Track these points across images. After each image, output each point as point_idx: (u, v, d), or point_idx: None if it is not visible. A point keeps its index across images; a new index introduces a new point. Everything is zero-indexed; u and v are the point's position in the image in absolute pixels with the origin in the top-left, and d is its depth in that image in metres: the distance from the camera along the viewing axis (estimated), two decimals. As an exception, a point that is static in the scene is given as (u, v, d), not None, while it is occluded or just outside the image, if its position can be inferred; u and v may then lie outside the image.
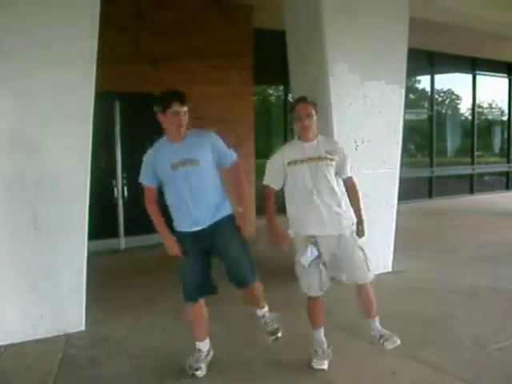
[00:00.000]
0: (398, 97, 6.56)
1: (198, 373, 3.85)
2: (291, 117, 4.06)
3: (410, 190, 11.11)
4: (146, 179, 3.86)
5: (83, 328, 4.81)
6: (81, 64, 4.62)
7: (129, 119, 8.18)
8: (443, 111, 15.65)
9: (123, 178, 8.23)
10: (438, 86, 14.67)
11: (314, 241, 3.82)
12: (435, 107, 14.53)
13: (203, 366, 3.90)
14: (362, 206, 4.07)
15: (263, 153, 9.90)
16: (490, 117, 16.90)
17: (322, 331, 4.05)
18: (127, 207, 8.26)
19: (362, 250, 3.92)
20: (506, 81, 16.13)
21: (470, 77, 15.07)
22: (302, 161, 3.87)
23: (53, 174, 4.59)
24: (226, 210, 3.86)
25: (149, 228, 8.53)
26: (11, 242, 4.49)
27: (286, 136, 11.15)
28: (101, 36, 4.68)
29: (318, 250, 3.83)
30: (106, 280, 6.12)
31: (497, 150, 17.14)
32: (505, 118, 16.59)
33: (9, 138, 4.42)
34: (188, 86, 8.14)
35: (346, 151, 4.04)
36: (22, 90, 4.42)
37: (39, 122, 4.52)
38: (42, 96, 4.49)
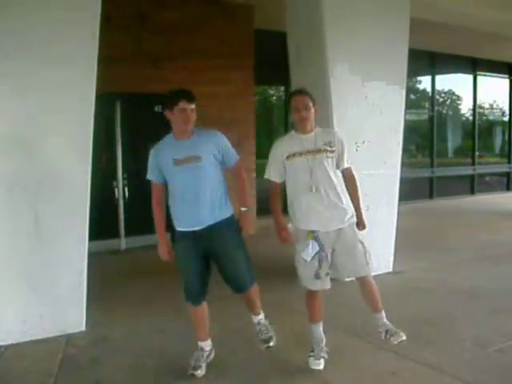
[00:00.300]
0: (398, 97, 6.56)
1: (198, 372, 3.85)
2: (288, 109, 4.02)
3: (410, 191, 11.11)
4: (152, 175, 3.87)
5: (83, 328, 4.81)
6: (82, 64, 4.62)
7: (130, 120, 8.18)
8: (444, 112, 15.65)
9: (124, 178, 8.23)
10: (438, 87, 14.67)
11: (315, 235, 3.80)
12: (436, 108, 14.52)
13: (203, 365, 3.90)
14: (360, 196, 4.05)
15: (264, 153, 9.92)
16: (490, 117, 16.90)
17: (320, 326, 4.01)
18: (128, 208, 8.26)
19: (362, 243, 3.90)
20: (506, 81, 16.13)
21: (470, 77, 15.07)
22: (301, 153, 3.84)
23: (53, 174, 4.59)
24: (228, 212, 3.85)
25: (149, 228, 8.53)
26: (11, 243, 4.49)
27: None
28: (102, 36, 4.68)
29: (319, 245, 3.80)
30: (106, 280, 6.12)
31: (497, 150, 17.13)
32: (505, 119, 16.58)
33: (9, 138, 4.42)
34: (189, 86, 8.13)
35: (344, 141, 3.99)
36: (22, 89, 4.42)
37: (40, 122, 4.52)
38: (42, 96, 4.50)
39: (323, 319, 4.03)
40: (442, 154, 15.00)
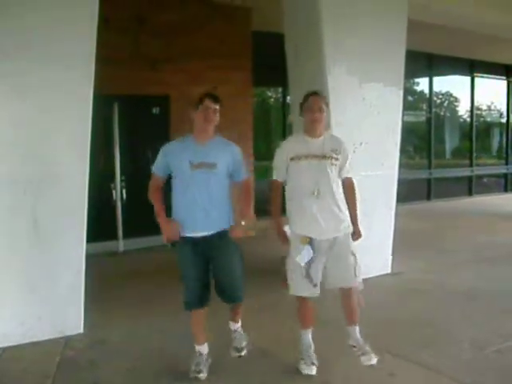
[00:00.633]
0: (396, 98, 6.57)
1: (201, 375, 3.85)
2: (300, 111, 4.01)
3: (408, 192, 11.12)
4: (159, 169, 3.91)
5: (81, 330, 4.80)
6: (80, 63, 4.62)
7: (128, 122, 8.17)
8: (441, 113, 15.67)
9: (122, 180, 8.22)
10: (436, 88, 14.69)
11: (310, 241, 3.80)
12: (433, 109, 14.54)
13: (205, 369, 3.90)
14: (358, 207, 4.05)
15: (262, 154, 9.91)
16: (488, 119, 16.92)
17: (309, 332, 4.01)
18: (126, 210, 8.25)
19: (354, 255, 3.89)
20: (504, 83, 16.15)
21: (468, 79, 15.09)
22: (306, 157, 3.83)
23: (52, 175, 4.58)
24: (230, 222, 3.86)
25: (147, 230, 8.57)
26: (10, 244, 4.49)
27: (285, 137, 11.12)
28: (100, 38, 4.69)
29: (313, 251, 3.80)
30: (104, 282, 6.12)
31: (495, 152, 17.15)
32: (503, 120, 16.61)
33: (8, 138, 4.42)
34: (187, 87, 8.21)
35: (348, 150, 4.00)
36: (21, 89, 4.42)
37: (38, 123, 4.51)
38: (41, 96, 4.50)
39: (321, 321, 4.03)
40: (439, 156, 15.02)
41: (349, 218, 3.94)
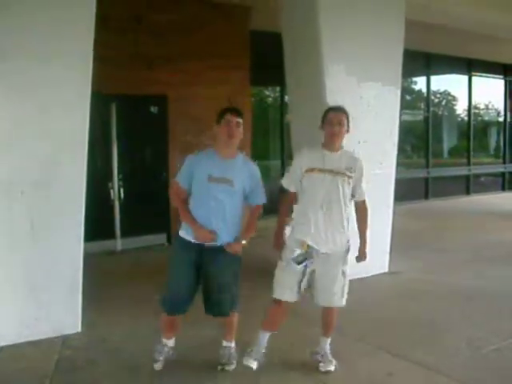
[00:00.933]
0: (394, 98, 6.58)
1: (156, 365, 3.91)
2: (321, 123, 3.97)
3: (406, 191, 11.12)
4: (184, 179, 3.87)
5: (79, 329, 4.80)
6: (78, 62, 4.61)
7: (125, 121, 8.16)
8: (439, 112, 15.68)
9: (119, 179, 8.20)
10: (434, 87, 14.69)
11: (309, 250, 3.80)
12: (431, 108, 14.54)
13: (162, 359, 3.95)
14: (367, 230, 4.06)
15: (260, 154, 9.92)
16: (485, 118, 16.94)
17: (267, 336, 3.98)
18: (123, 209, 8.24)
19: (345, 274, 3.90)
20: (501, 82, 16.17)
21: (465, 78, 15.10)
22: (321, 170, 3.82)
23: (49, 174, 4.57)
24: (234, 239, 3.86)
25: (145, 229, 8.55)
26: (7, 244, 4.48)
27: (283, 137, 11.14)
28: (98, 38, 4.68)
29: (309, 260, 3.80)
30: (102, 281, 6.11)
31: (492, 150, 17.18)
32: (501, 119, 16.63)
33: (5, 138, 4.41)
34: (185, 87, 8.21)
35: (364, 170, 3.99)
36: (18, 89, 4.41)
37: (36, 122, 4.50)
38: (39, 96, 4.48)
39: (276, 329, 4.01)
40: (437, 155, 15.03)
41: (349, 236, 3.93)
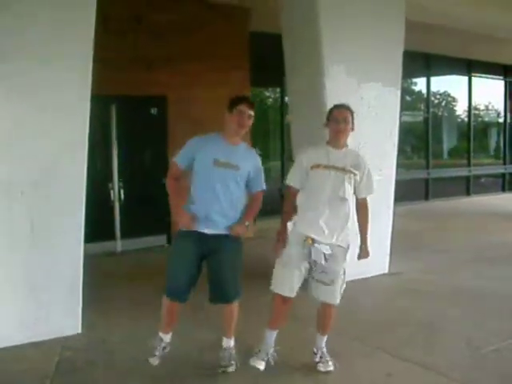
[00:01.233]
0: (394, 98, 6.59)
1: (152, 360, 3.90)
2: (326, 121, 4.00)
3: (406, 192, 11.12)
4: (182, 159, 3.89)
5: (80, 331, 4.80)
6: (78, 63, 4.61)
7: (125, 122, 8.17)
8: (439, 113, 15.69)
9: (120, 180, 8.21)
10: (433, 88, 14.70)
11: (315, 244, 3.80)
12: (431, 109, 14.54)
13: (158, 355, 3.92)
14: (368, 227, 4.08)
15: (260, 155, 9.90)
16: (485, 119, 16.95)
17: (275, 333, 3.99)
18: (123, 210, 8.25)
19: (344, 272, 3.92)
20: (501, 83, 16.17)
21: (465, 79, 15.10)
22: (326, 167, 3.84)
23: (49, 175, 4.57)
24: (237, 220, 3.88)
25: (145, 231, 8.54)
26: (7, 245, 4.48)
27: (283, 138, 11.15)
28: (98, 39, 4.68)
29: (313, 255, 3.81)
30: (102, 283, 6.10)
31: (493, 151, 17.18)
32: (501, 120, 16.63)
33: (5, 139, 4.41)
34: (185, 89, 8.21)
35: (370, 170, 4.01)
36: (18, 90, 4.41)
37: (36, 123, 4.50)
38: (38, 97, 4.48)
39: (283, 325, 4.03)
40: (437, 156, 15.04)
41: (350, 234, 3.94)
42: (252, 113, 3.85)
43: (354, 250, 4.03)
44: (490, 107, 16.71)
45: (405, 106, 11.84)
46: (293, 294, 3.89)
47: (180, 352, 4.16)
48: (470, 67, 14.81)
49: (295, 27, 6.36)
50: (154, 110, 8.48)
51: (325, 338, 4.05)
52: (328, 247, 3.79)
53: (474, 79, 15.16)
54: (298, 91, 6.60)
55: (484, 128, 16.85)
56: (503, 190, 15.99)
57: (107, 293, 5.87)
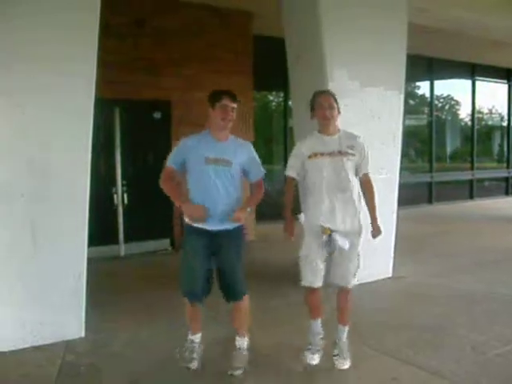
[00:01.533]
0: (397, 102, 6.58)
1: (192, 364, 3.91)
2: (311, 112, 4.02)
3: (409, 196, 11.12)
4: (174, 162, 3.91)
5: (83, 335, 4.79)
6: (82, 69, 4.62)
7: (129, 126, 8.18)
8: (443, 117, 15.69)
9: (123, 184, 8.22)
10: (437, 92, 14.71)
11: (332, 233, 3.83)
12: (435, 113, 14.55)
13: (197, 357, 3.94)
14: (376, 203, 4.10)
15: (263, 158, 9.90)
16: (489, 122, 16.94)
17: (319, 322, 4.06)
18: (127, 214, 8.25)
19: (359, 255, 3.96)
20: (505, 86, 16.16)
21: (469, 82, 15.10)
22: (323, 154, 3.87)
23: (52, 180, 4.57)
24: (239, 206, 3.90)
25: (148, 235, 8.55)
26: (10, 249, 4.48)
27: (286, 142, 11.17)
28: (100, 43, 4.69)
29: (338, 242, 3.83)
30: (105, 287, 6.11)
31: (496, 155, 17.15)
32: (504, 124, 16.61)
33: (7, 145, 4.41)
34: (188, 92, 8.22)
35: (367, 147, 4.03)
36: (21, 94, 4.41)
37: (37, 129, 4.50)
38: (42, 101, 4.49)
39: (323, 314, 4.08)
40: (440, 159, 15.03)
41: (360, 218, 3.97)
42: (235, 105, 3.86)
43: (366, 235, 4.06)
44: (493, 111, 16.71)
45: (408, 110, 11.85)
46: (319, 284, 3.93)
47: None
48: (473, 71, 14.81)
49: (298, 31, 6.36)
50: (157, 114, 8.48)
51: (345, 329, 4.05)
52: (344, 235, 3.82)
53: (477, 83, 15.17)
54: (300, 95, 6.58)
55: (487, 132, 16.85)
56: (507, 193, 15.97)
57: (111, 297, 5.87)
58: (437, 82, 14.42)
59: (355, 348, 4.32)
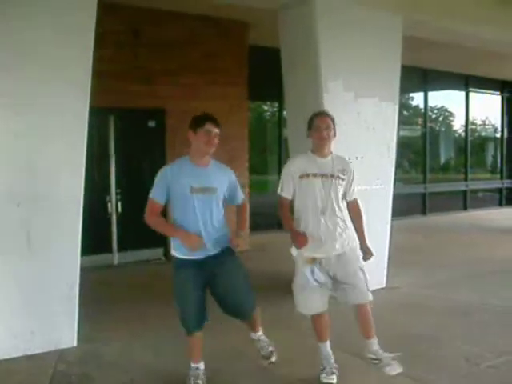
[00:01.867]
0: (391, 113, 6.60)
1: None
2: (307, 131, 4.02)
3: (403, 207, 11.13)
4: (159, 195, 3.77)
5: (75, 344, 4.77)
6: (76, 77, 4.62)
7: (123, 134, 8.18)
8: (437, 128, 15.75)
9: (117, 193, 8.21)
10: (431, 103, 14.76)
11: (317, 262, 3.82)
12: (428, 124, 14.61)
13: (201, 382, 3.85)
14: (364, 227, 4.10)
15: (257, 168, 9.92)
16: (483, 134, 17.02)
17: (327, 344, 4.04)
18: (121, 223, 8.23)
19: (362, 270, 3.92)
20: (498, 98, 16.24)
21: (463, 94, 15.17)
22: (315, 175, 3.86)
23: (46, 188, 4.56)
24: (228, 242, 3.84)
25: (142, 244, 8.52)
26: (3, 257, 4.45)
27: (281, 152, 11.17)
28: (96, 52, 4.70)
29: (320, 272, 3.82)
30: (98, 295, 6.09)
31: (490, 166, 17.22)
32: (498, 135, 16.69)
33: (2, 151, 4.41)
34: (183, 102, 8.22)
35: (355, 173, 4.04)
36: (16, 103, 4.41)
37: (32, 136, 4.50)
38: (37, 109, 4.50)
39: (329, 337, 4.06)
40: (434, 170, 15.08)
41: (354, 236, 3.98)
42: (217, 130, 3.78)
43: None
44: (487, 122, 16.79)
45: (402, 121, 11.89)
46: (317, 311, 3.94)
47: (175, 363, 4.13)
48: (467, 82, 14.88)
49: (293, 42, 6.38)
50: (152, 123, 8.49)
51: (374, 341, 3.98)
52: (318, 272, 3.81)
53: (471, 94, 15.24)
54: (295, 105, 6.61)
55: (481, 143, 16.92)
56: (500, 204, 16.02)
57: (103, 306, 5.84)
58: (431, 93, 14.49)
59: (347, 359, 4.32)
